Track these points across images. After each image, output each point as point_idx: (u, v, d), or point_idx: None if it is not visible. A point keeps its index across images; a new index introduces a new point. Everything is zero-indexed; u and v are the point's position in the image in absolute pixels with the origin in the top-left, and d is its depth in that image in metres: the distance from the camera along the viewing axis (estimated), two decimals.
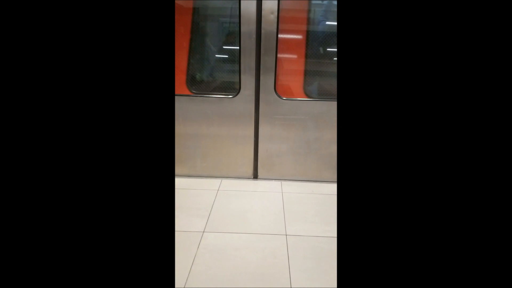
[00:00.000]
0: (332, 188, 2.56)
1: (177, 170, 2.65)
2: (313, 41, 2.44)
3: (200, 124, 2.51)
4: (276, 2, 2.18)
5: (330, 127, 2.49)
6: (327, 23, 2.50)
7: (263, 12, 2.21)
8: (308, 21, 2.38)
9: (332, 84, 2.50)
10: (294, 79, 2.50)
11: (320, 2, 2.45)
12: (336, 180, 2.63)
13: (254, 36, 2.26)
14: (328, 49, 2.46)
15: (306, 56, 2.43)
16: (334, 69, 2.49)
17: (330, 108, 2.44)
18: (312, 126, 2.50)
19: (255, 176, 2.66)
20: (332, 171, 2.62)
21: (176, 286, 1.61)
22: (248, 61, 2.33)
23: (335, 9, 2.43)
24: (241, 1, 2.18)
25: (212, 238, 1.96)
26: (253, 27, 2.24)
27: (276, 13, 2.20)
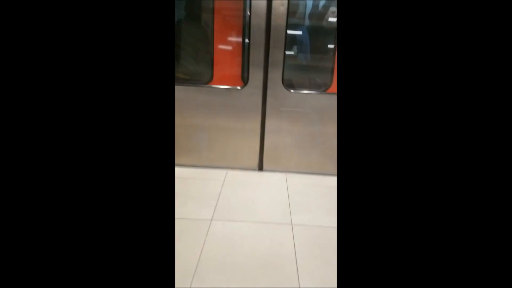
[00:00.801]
0: (336, 181, 2.61)
1: (183, 160, 2.68)
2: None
3: (207, 114, 2.54)
4: None
5: (336, 120, 2.53)
6: None
7: (273, 5, 2.23)
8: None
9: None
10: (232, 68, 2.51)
11: None
12: None
13: (263, 29, 2.28)
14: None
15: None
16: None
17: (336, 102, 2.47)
18: (317, 119, 2.53)
19: (260, 167, 2.70)
20: (336, 165, 2.67)
21: (186, 271, 1.65)
22: (257, 54, 2.35)
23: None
24: None
25: (220, 226, 2.00)
26: (263, 20, 2.26)
27: (286, 6, 2.22)
